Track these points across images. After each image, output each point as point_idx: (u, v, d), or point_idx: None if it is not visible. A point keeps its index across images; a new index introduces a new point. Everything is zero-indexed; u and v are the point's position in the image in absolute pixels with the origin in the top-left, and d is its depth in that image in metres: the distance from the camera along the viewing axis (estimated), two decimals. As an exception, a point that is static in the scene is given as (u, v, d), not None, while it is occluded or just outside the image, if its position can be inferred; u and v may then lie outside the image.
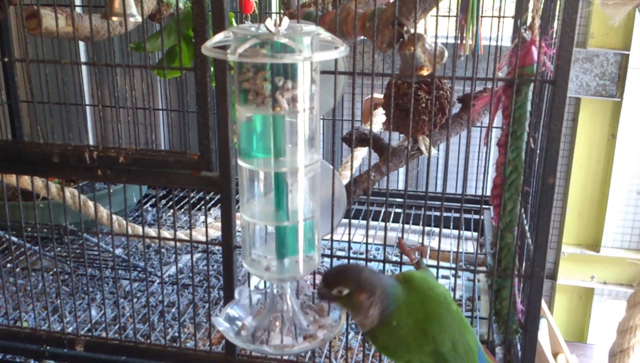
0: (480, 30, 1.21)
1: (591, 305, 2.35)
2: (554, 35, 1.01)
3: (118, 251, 1.75)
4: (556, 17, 1.01)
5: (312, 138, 0.82)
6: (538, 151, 1.08)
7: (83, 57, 2.22)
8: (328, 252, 1.12)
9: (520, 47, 0.96)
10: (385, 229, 1.11)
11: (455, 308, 0.91)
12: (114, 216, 1.45)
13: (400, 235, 1.08)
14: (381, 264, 1.16)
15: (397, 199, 1.99)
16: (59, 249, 1.69)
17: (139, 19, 1.35)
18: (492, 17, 1.73)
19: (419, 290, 0.89)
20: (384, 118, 1.54)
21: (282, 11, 1.47)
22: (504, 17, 1.62)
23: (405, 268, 1.03)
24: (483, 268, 1.58)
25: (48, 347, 1.23)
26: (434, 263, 1.12)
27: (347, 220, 1.21)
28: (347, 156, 1.99)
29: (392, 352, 0.90)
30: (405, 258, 1.05)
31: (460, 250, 1.67)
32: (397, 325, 0.87)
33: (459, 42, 1.22)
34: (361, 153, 1.59)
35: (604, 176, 2.24)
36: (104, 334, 1.30)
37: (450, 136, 1.23)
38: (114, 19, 1.31)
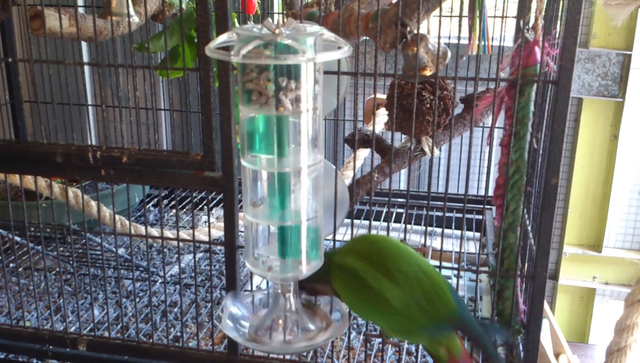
0: (488, 30, 1.21)
1: (593, 305, 2.35)
2: (557, 36, 1.01)
3: (120, 251, 1.75)
4: (559, 18, 1.01)
5: (315, 138, 0.82)
6: (541, 152, 1.08)
7: (86, 58, 2.23)
8: (330, 252, 1.12)
9: (523, 48, 0.96)
10: (388, 229, 1.11)
11: (421, 257, 0.90)
12: (117, 216, 1.45)
13: (402, 236, 1.08)
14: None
15: (400, 200, 1.99)
16: (61, 249, 1.69)
17: (137, 19, 1.36)
18: (495, 17, 1.73)
19: (368, 239, 0.91)
20: (386, 118, 1.54)
21: (284, 11, 1.47)
22: (506, 17, 1.62)
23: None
24: (485, 269, 1.58)
25: (51, 347, 1.24)
26: (437, 263, 1.13)
27: (349, 220, 1.21)
28: (348, 156, 2.00)
29: (352, 300, 0.91)
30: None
31: (463, 250, 1.67)
32: (344, 273, 0.89)
33: (466, 42, 1.22)
34: (363, 153, 1.59)
35: (606, 177, 2.24)
36: (106, 334, 1.30)
37: (453, 136, 1.23)
38: (113, 18, 1.32)
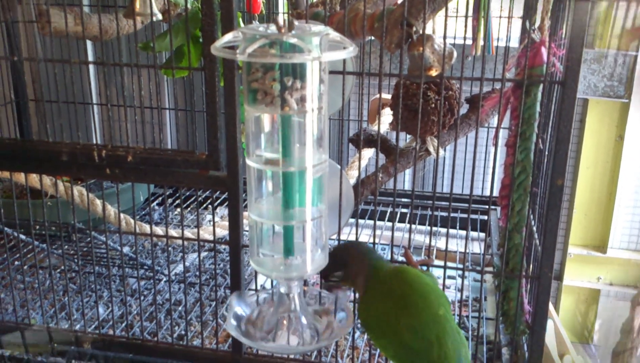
0: (492, 31, 1.21)
1: (597, 306, 2.35)
2: (563, 36, 1.00)
3: (125, 249, 1.75)
4: (565, 18, 1.01)
5: (321, 137, 0.82)
6: (546, 152, 1.08)
7: (90, 57, 2.23)
8: (335, 252, 1.12)
9: (529, 48, 0.96)
10: (393, 229, 1.11)
11: (445, 313, 0.90)
12: (122, 215, 1.45)
13: (406, 245, 1.08)
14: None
15: (404, 200, 1.99)
16: (66, 247, 1.70)
17: (160, 16, 1.36)
18: (501, 17, 1.73)
19: (406, 281, 0.91)
20: (390, 119, 1.54)
21: (290, 11, 1.47)
22: (512, 17, 1.62)
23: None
24: (490, 269, 1.58)
25: (56, 344, 1.24)
26: (441, 263, 1.12)
27: (354, 220, 1.21)
28: (353, 156, 2.00)
29: (371, 329, 0.93)
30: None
31: (467, 251, 1.67)
32: (376, 298, 0.90)
33: (470, 42, 1.21)
34: (368, 153, 1.59)
35: (611, 177, 2.23)
36: (111, 332, 1.31)
37: (458, 136, 1.23)
38: (138, 18, 1.32)
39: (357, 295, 0.98)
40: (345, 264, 0.93)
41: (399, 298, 0.89)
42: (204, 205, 2.09)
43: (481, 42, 1.19)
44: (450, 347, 0.89)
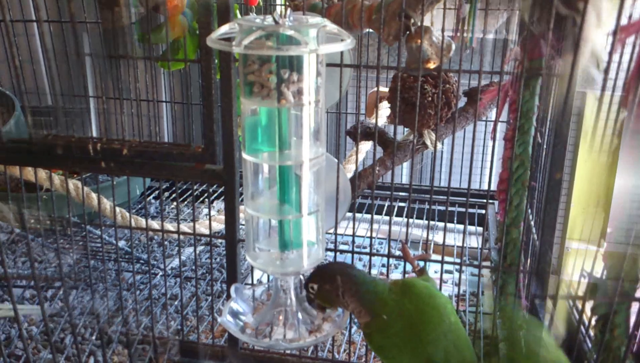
0: (477, 23, 1.20)
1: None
2: (562, 28, 1.00)
3: (121, 243, 1.74)
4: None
5: (318, 131, 0.81)
6: (545, 146, 1.07)
7: (86, 49, 2.21)
8: (332, 246, 1.12)
9: (528, 40, 0.95)
10: (390, 223, 1.10)
11: (455, 320, 0.89)
12: (117, 208, 1.44)
13: (403, 240, 1.08)
14: (385, 258, 1.16)
15: (402, 194, 1.99)
16: (62, 241, 1.69)
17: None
18: (499, 9, 1.72)
19: (417, 295, 0.88)
20: (388, 112, 1.53)
21: (287, 3, 1.46)
22: (513, 9, 1.61)
23: (408, 265, 1.03)
24: (487, 263, 1.57)
25: (52, 339, 1.23)
26: (439, 257, 1.12)
27: (351, 214, 1.21)
28: (350, 149, 1.99)
29: (386, 353, 0.90)
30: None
31: (465, 245, 1.66)
32: (389, 320, 0.87)
33: (457, 34, 1.21)
34: (365, 146, 1.59)
35: (609, 171, 2.23)
36: (106, 326, 1.30)
37: (456, 130, 1.22)
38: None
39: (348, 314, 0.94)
40: (322, 280, 0.87)
41: (415, 314, 0.87)
42: (200, 199, 2.08)
43: (465, 34, 1.18)
44: (467, 352, 0.89)
